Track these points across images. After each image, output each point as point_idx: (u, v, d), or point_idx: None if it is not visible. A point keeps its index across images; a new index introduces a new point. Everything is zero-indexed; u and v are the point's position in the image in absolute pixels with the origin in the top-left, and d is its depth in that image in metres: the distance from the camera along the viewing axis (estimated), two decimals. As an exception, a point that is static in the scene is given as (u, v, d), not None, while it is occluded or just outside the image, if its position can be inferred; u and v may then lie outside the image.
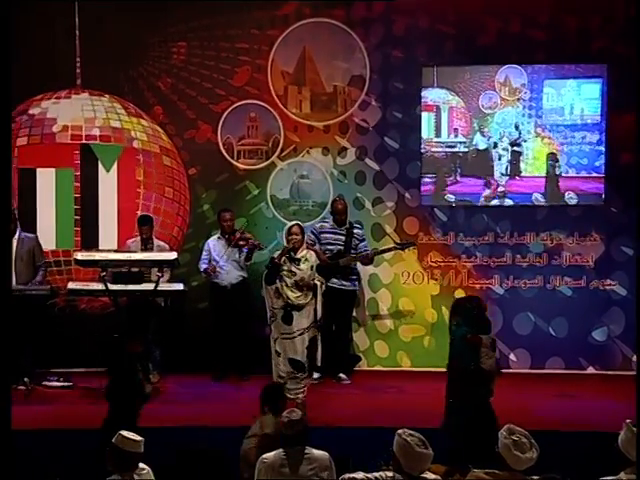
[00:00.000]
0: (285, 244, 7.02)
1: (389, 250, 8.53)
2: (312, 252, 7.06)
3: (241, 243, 8.24)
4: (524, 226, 8.76)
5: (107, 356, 6.01)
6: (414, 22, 8.76)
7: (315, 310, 6.79)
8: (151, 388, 5.65)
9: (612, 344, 8.58)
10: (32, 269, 8.00)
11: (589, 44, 8.61)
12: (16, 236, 8.01)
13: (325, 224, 8.37)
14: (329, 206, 8.61)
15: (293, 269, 6.77)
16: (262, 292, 7.11)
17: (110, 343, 6.14)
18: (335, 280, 8.10)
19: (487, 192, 8.80)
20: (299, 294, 6.76)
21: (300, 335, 6.76)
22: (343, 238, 8.24)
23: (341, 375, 8.22)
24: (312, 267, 6.83)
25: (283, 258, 6.80)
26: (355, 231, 8.32)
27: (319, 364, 6.94)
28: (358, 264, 8.41)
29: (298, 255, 6.81)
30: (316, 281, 6.82)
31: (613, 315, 8.59)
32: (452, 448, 5.46)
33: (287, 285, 6.76)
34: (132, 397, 5.66)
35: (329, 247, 8.17)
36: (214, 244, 8.36)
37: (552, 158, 8.72)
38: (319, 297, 6.78)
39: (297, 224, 6.96)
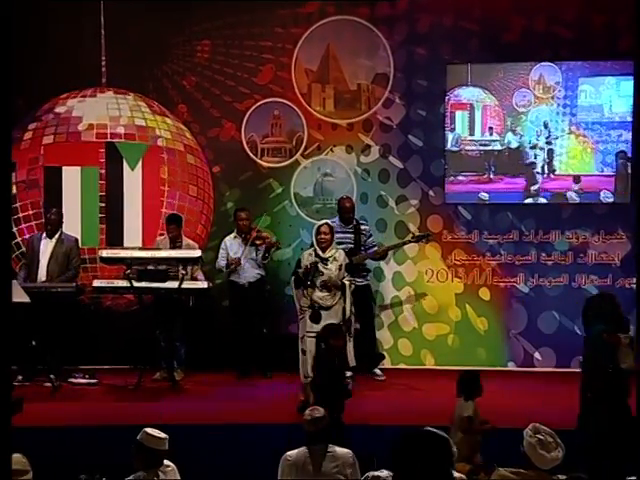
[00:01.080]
0: (314, 243, 6.95)
1: (403, 244, 8.50)
2: (341, 251, 7.02)
3: (257, 242, 8.24)
4: (549, 224, 8.70)
5: (316, 351, 6.05)
6: (438, 20, 8.73)
7: (344, 309, 6.76)
8: (352, 384, 5.77)
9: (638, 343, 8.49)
10: (64, 270, 8.07)
11: (616, 41, 8.54)
12: (56, 236, 8.08)
13: (332, 224, 8.31)
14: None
15: (321, 269, 6.75)
16: (288, 290, 7.09)
17: (316, 337, 6.16)
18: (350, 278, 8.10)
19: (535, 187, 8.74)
20: (326, 294, 6.74)
21: None
22: (352, 236, 8.20)
23: (376, 371, 8.22)
24: (341, 266, 6.80)
25: (311, 266, 6.74)
26: (362, 227, 8.29)
27: (352, 363, 6.89)
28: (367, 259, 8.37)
29: (327, 254, 6.79)
30: (345, 280, 6.79)
31: (639, 314, 8.51)
32: (588, 447, 5.35)
33: (315, 286, 6.73)
34: (337, 391, 5.70)
35: (339, 246, 8.13)
36: (230, 243, 8.36)
37: (623, 156, 8.60)
38: (348, 296, 6.76)
39: (326, 223, 6.93)
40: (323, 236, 6.79)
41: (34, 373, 7.83)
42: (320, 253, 6.78)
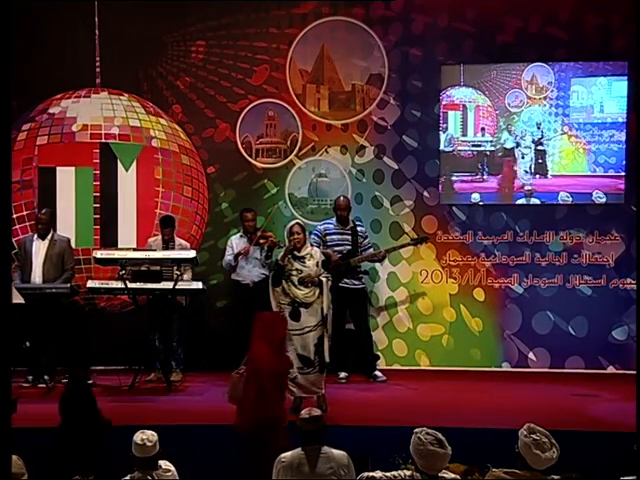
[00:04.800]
0: (287, 244, 7.03)
1: (402, 247, 8.52)
2: (317, 249, 7.08)
3: (262, 241, 8.26)
4: (543, 225, 8.72)
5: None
6: (433, 20, 8.74)
7: (322, 308, 6.78)
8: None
9: (632, 343, 8.50)
10: (60, 272, 8.03)
11: (609, 42, 8.56)
12: (48, 237, 8.06)
13: (329, 225, 8.28)
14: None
15: (299, 267, 6.78)
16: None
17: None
18: (347, 280, 8.10)
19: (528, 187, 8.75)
20: (307, 291, 6.76)
21: (309, 332, 6.75)
22: (350, 238, 8.20)
23: (377, 373, 8.23)
24: (317, 263, 6.83)
25: (287, 258, 6.81)
26: (358, 229, 8.30)
27: (327, 360, 6.93)
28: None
29: (302, 253, 6.82)
30: (322, 277, 6.82)
31: (633, 314, 8.52)
32: None
33: (294, 284, 6.77)
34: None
35: (336, 248, 8.11)
36: (237, 242, 8.38)
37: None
38: (325, 293, 6.78)
39: (297, 223, 6.97)
40: (296, 236, 6.83)
41: (29, 374, 7.84)
42: (295, 252, 6.81)
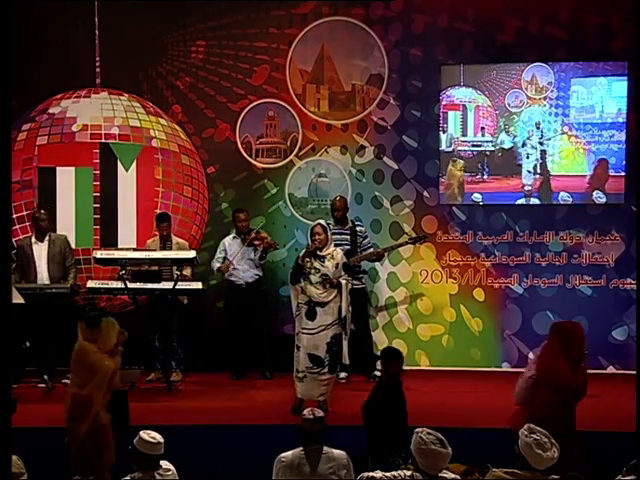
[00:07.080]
0: (310, 244, 7.02)
1: (400, 245, 8.52)
2: (339, 250, 7.07)
3: (256, 242, 8.26)
4: (543, 225, 8.72)
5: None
6: (433, 20, 8.75)
7: (340, 307, 6.79)
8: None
9: (632, 343, 8.51)
10: (63, 269, 8.05)
11: (609, 43, 8.56)
12: (47, 237, 8.06)
13: (325, 223, 8.28)
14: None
15: (318, 266, 6.79)
16: (283, 291, 7.11)
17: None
18: None
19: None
20: (322, 291, 6.77)
21: (322, 331, 6.75)
22: (348, 237, 8.21)
23: (377, 373, 8.22)
24: (337, 265, 6.84)
25: (307, 258, 6.80)
26: (358, 229, 8.30)
27: (346, 362, 6.93)
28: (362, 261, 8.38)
29: (323, 252, 6.83)
30: (342, 279, 6.82)
31: (633, 314, 8.53)
32: None
33: (311, 283, 6.78)
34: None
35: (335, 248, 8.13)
36: (229, 243, 8.38)
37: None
38: (344, 295, 6.79)
39: (319, 223, 6.98)
40: (317, 236, 6.85)
41: (26, 374, 7.83)
42: (317, 251, 6.82)
